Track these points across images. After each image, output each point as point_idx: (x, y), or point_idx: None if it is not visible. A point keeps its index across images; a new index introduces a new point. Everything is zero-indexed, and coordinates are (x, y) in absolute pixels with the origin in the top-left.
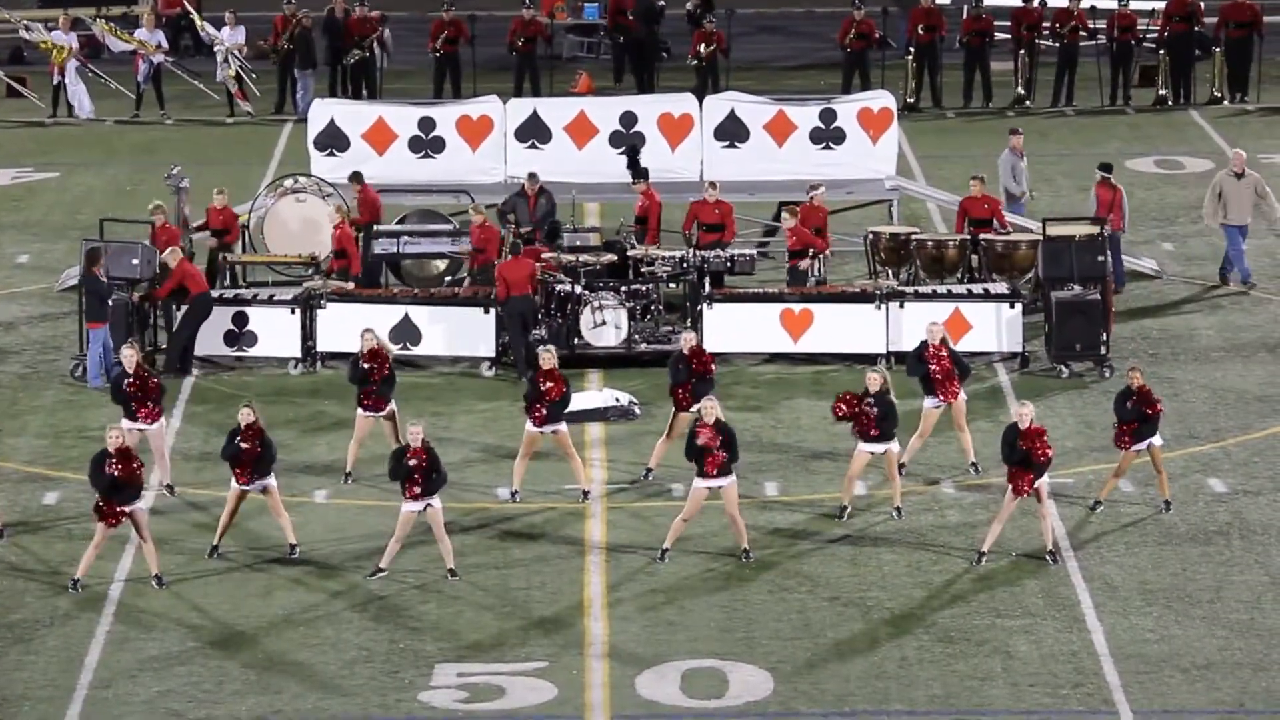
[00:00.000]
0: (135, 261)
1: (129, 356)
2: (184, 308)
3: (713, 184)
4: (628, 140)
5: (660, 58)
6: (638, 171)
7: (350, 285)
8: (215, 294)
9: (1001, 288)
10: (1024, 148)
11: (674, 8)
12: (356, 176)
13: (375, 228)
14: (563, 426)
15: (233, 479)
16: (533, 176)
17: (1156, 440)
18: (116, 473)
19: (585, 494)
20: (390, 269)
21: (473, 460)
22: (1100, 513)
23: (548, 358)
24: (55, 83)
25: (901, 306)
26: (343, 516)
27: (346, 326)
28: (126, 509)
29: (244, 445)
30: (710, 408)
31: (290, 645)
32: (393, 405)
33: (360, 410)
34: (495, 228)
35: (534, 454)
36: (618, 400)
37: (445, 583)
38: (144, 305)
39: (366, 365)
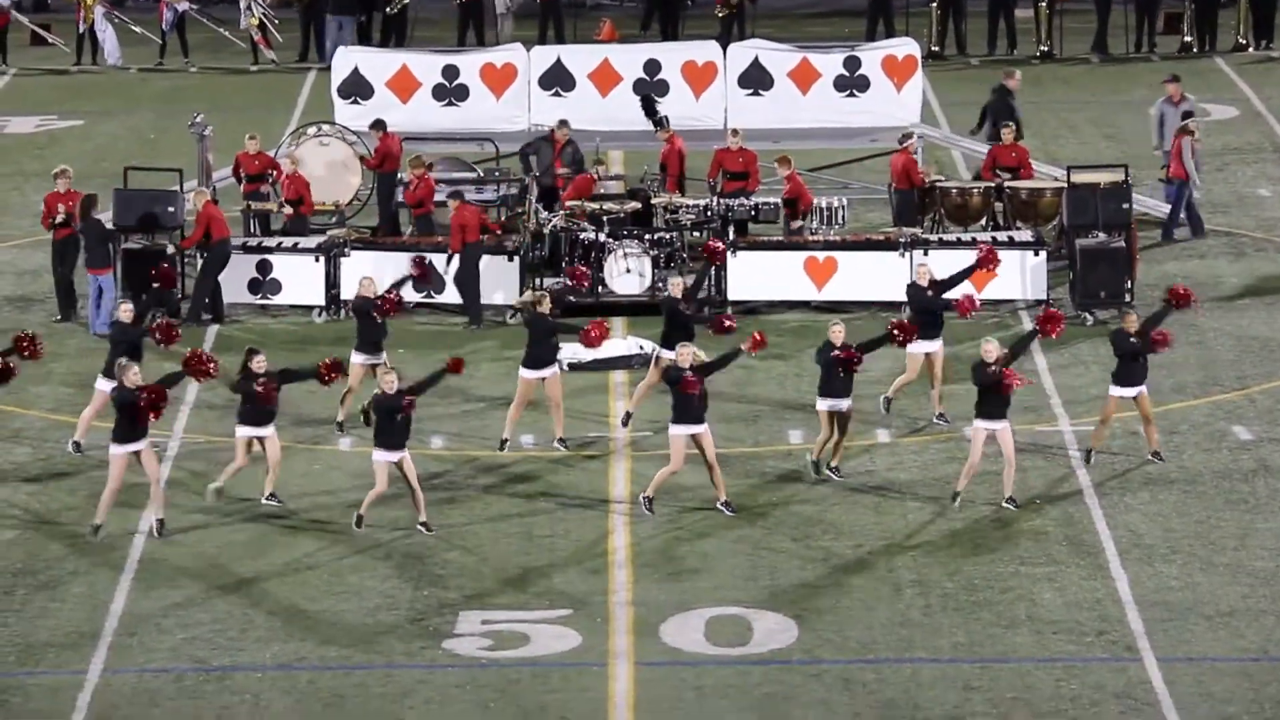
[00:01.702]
0: (171, 209)
1: (126, 310)
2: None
3: (735, 131)
4: (652, 88)
5: (685, 5)
6: (656, 119)
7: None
8: (238, 242)
9: (1026, 235)
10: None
11: None
12: (379, 124)
13: (399, 175)
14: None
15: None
16: (563, 123)
17: (1144, 389)
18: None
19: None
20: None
21: (496, 408)
22: (1094, 463)
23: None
24: (80, 30)
25: (925, 254)
26: (366, 464)
27: (373, 274)
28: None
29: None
30: (686, 353)
31: (314, 593)
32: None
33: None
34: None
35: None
36: (641, 348)
37: (469, 530)
38: (181, 255)
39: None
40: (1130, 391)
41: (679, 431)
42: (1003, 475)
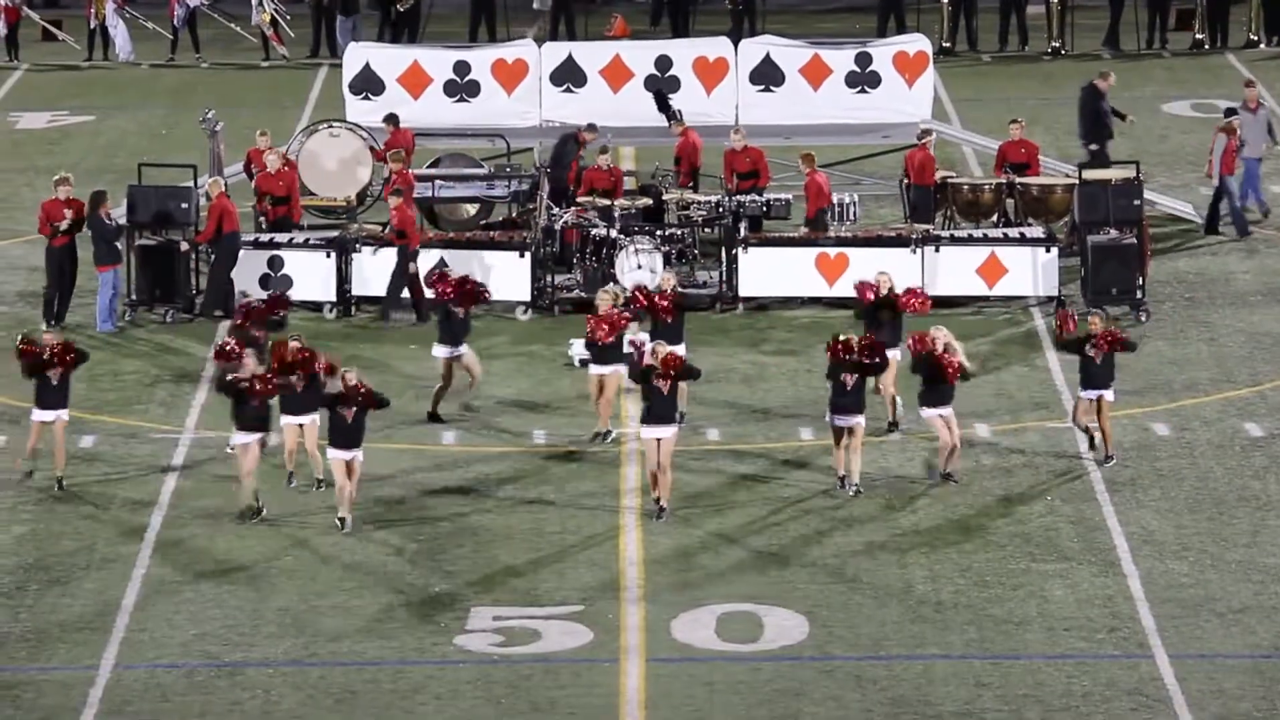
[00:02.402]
0: (185, 205)
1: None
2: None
3: (736, 130)
4: (663, 84)
5: (695, 1)
6: (670, 114)
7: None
8: (250, 238)
9: (1037, 231)
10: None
11: None
12: (392, 118)
13: (411, 172)
14: None
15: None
16: (591, 126)
17: (1109, 395)
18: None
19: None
20: (422, 213)
21: (507, 403)
22: (1107, 462)
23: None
24: (91, 26)
25: (937, 250)
26: (379, 460)
27: (382, 271)
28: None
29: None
30: (661, 352)
31: (325, 588)
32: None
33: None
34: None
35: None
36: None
37: (481, 526)
38: (195, 250)
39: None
40: (1092, 394)
41: (649, 434)
42: (948, 455)
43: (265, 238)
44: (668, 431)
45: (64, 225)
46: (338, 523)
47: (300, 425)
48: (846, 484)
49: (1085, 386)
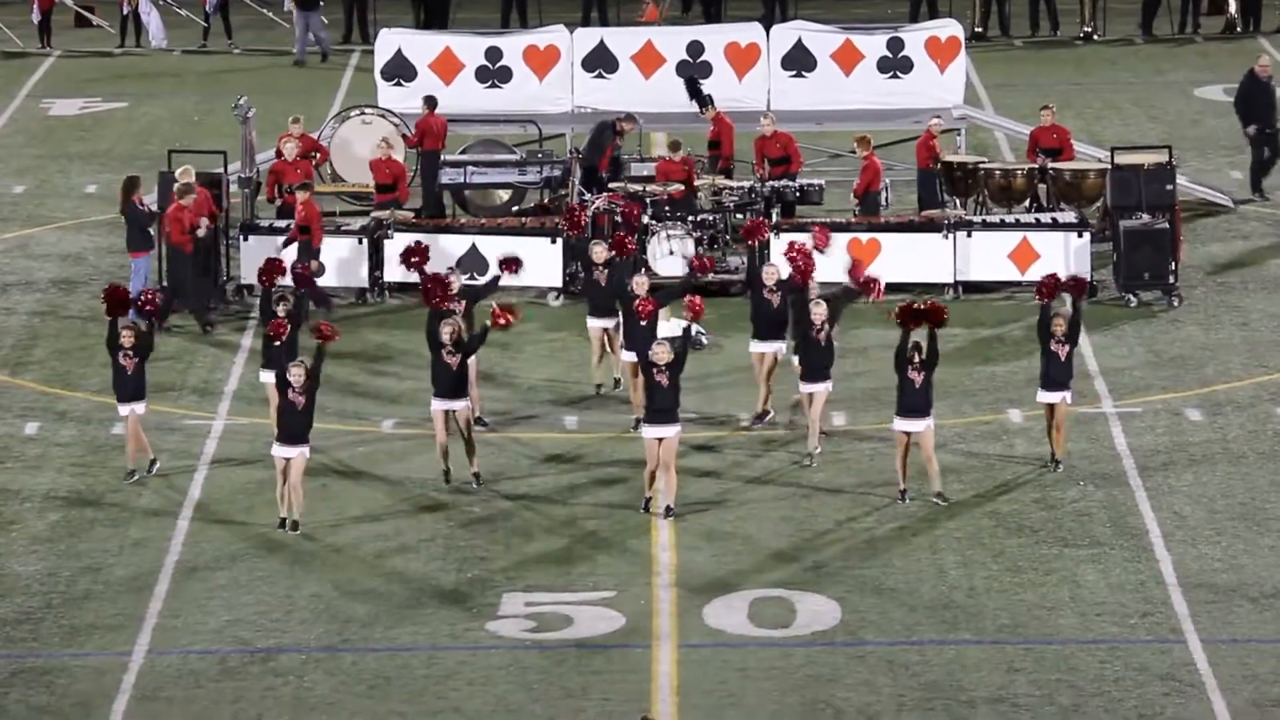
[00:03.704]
0: (216, 192)
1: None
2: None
3: (765, 115)
4: (695, 70)
5: None
6: (702, 100)
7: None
8: (283, 224)
9: (1070, 217)
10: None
11: None
12: (430, 101)
13: (443, 158)
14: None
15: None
16: (630, 117)
17: (1068, 397)
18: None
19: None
20: (454, 199)
21: (539, 390)
22: (1062, 470)
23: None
24: (124, 12)
25: (969, 236)
26: (409, 446)
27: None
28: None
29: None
30: (662, 350)
31: (358, 575)
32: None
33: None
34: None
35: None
36: (684, 329)
37: (512, 512)
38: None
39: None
40: (1052, 397)
41: (650, 433)
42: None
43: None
44: (669, 430)
45: (201, 231)
46: (291, 526)
47: (288, 459)
48: (911, 494)
49: (1045, 387)
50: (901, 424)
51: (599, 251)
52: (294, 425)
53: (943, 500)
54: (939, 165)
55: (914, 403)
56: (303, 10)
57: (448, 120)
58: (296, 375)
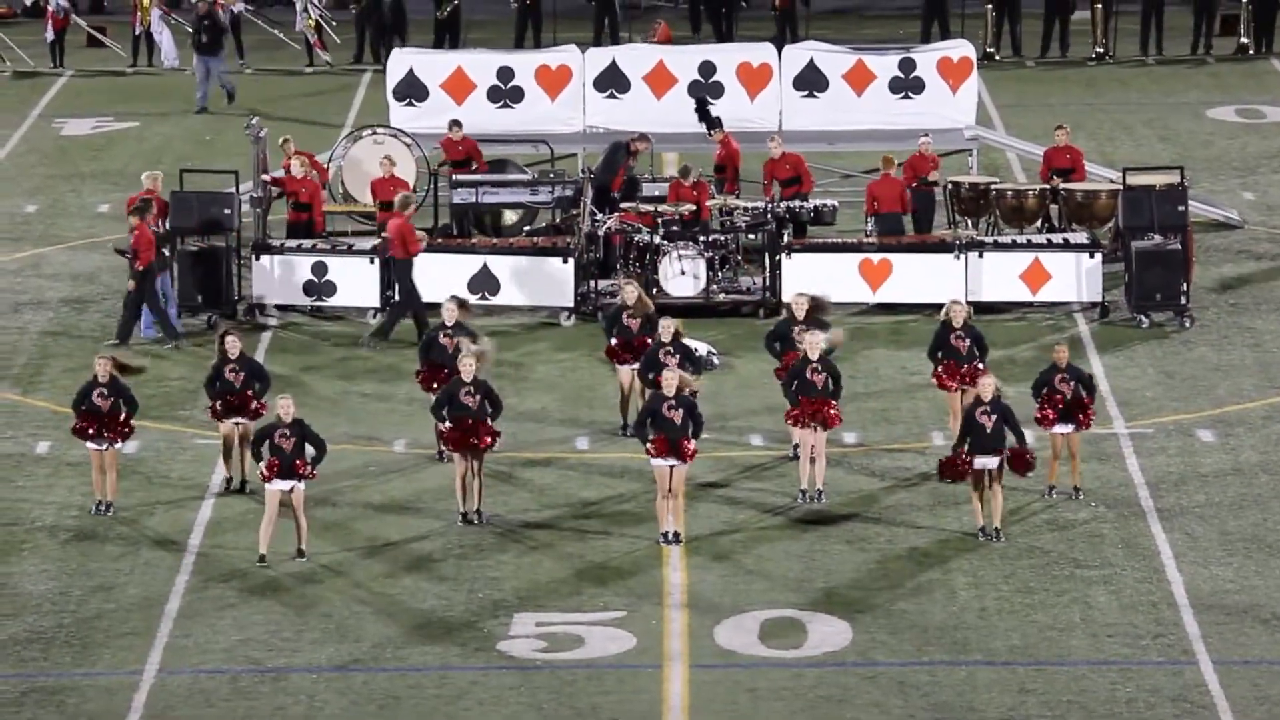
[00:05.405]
0: (228, 211)
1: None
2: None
3: (773, 138)
4: (707, 90)
5: (739, 6)
6: (710, 122)
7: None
8: (294, 244)
9: (1081, 237)
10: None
11: None
12: (456, 124)
13: (455, 176)
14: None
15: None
16: (644, 137)
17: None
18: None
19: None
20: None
21: (550, 410)
22: (1058, 497)
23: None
24: (136, 33)
25: (981, 256)
26: (421, 466)
27: (425, 276)
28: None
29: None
30: (670, 379)
31: (369, 594)
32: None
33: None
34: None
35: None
36: (696, 350)
37: (524, 532)
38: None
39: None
40: (1064, 428)
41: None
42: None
43: (309, 244)
44: (680, 461)
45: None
46: (298, 555)
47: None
48: (986, 532)
49: (1060, 422)
50: (980, 461)
51: (630, 292)
52: (286, 463)
53: (999, 538)
54: (936, 184)
55: (989, 444)
56: (202, 56)
57: (460, 140)
58: (285, 408)
